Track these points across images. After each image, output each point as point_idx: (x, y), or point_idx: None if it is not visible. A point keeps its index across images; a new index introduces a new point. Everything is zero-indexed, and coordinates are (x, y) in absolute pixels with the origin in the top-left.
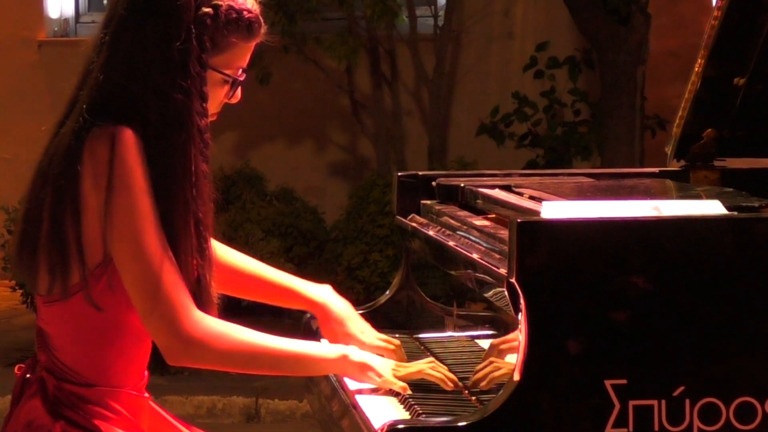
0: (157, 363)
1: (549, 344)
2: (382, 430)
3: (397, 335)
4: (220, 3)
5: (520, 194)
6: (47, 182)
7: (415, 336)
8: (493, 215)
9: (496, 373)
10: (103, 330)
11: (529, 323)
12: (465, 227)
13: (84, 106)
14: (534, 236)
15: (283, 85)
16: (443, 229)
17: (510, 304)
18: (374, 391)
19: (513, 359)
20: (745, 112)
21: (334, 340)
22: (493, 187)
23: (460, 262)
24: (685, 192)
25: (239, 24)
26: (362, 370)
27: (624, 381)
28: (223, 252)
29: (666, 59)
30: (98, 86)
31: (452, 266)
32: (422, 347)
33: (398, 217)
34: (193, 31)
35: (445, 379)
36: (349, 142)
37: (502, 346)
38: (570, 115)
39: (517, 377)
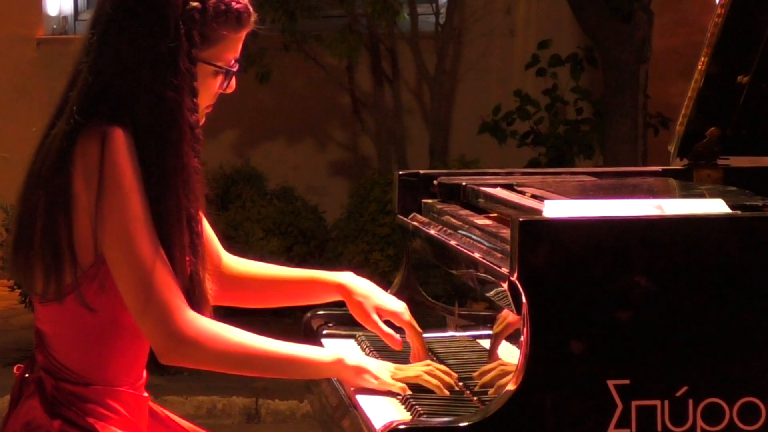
0: (157, 363)
1: (551, 344)
2: (382, 430)
3: (399, 336)
4: None
5: (522, 193)
6: (40, 184)
7: None
8: (495, 214)
9: (503, 381)
10: (99, 330)
11: (531, 323)
12: (467, 226)
13: (74, 108)
14: (536, 235)
15: (284, 83)
16: (445, 228)
17: (512, 304)
18: (375, 391)
19: (515, 360)
20: (748, 111)
21: (363, 316)
22: (494, 185)
23: (462, 261)
24: (688, 191)
25: (228, 16)
26: (358, 373)
27: (627, 381)
28: (242, 265)
29: (669, 57)
30: (88, 87)
31: (454, 265)
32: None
33: (399, 216)
34: (182, 26)
35: (442, 386)
36: (349, 140)
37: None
38: (572, 114)
39: (518, 377)
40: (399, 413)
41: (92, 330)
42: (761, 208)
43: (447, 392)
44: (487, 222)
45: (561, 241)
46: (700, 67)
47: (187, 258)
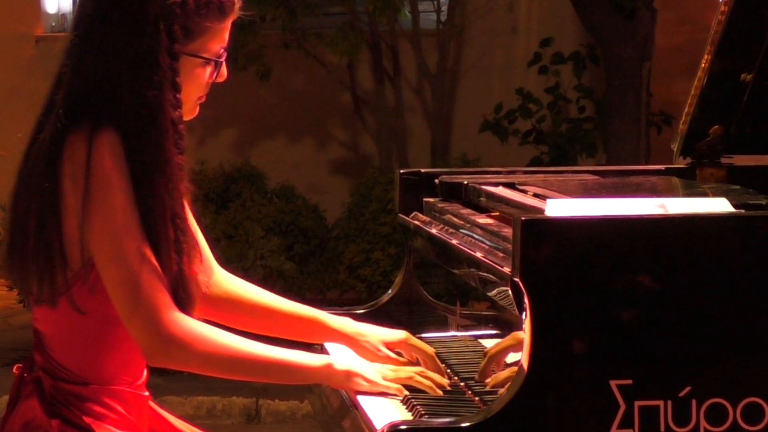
0: None
1: (553, 344)
2: (383, 430)
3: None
4: None
5: (524, 192)
6: (30, 188)
7: (418, 336)
8: (497, 213)
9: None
10: (93, 330)
11: (534, 322)
12: (468, 225)
13: (60, 111)
14: (538, 234)
15: (284, 81)
16: (446, 227)
17: (514, 303)
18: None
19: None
20: (752, 109)
21: (372, 356)
22: (496, 184)
23: (464, 260)
24: (692, 189)
25: (210, 7)
26: (348, 377)
27: (629, 381)
28: (236, 284)
29: (672, 55)
30: (72, 89)
31: (455, 265)
32: None
33: (400, 215)
34: (162, 23)
35: (434, 387)
36: (350, 139)
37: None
38: (575, 112)
39: (521, 377)
40: (400, 413)
41: (87, 330)
42: (765, 206)
43: (440, 392)
44: (489, 221)
45: (563, 241)
46: (703, 65)
47: (173, 256)
